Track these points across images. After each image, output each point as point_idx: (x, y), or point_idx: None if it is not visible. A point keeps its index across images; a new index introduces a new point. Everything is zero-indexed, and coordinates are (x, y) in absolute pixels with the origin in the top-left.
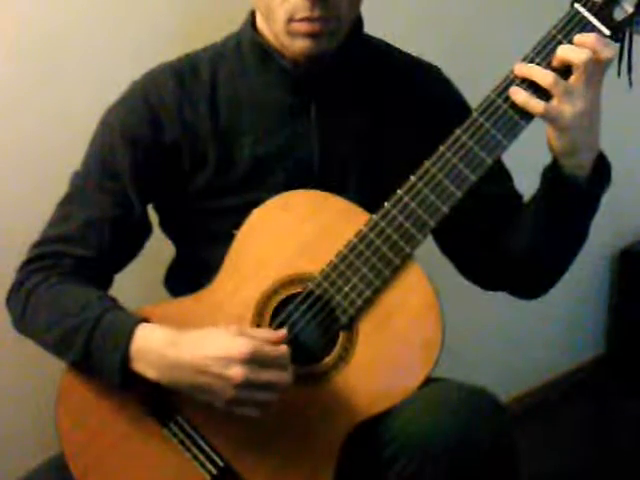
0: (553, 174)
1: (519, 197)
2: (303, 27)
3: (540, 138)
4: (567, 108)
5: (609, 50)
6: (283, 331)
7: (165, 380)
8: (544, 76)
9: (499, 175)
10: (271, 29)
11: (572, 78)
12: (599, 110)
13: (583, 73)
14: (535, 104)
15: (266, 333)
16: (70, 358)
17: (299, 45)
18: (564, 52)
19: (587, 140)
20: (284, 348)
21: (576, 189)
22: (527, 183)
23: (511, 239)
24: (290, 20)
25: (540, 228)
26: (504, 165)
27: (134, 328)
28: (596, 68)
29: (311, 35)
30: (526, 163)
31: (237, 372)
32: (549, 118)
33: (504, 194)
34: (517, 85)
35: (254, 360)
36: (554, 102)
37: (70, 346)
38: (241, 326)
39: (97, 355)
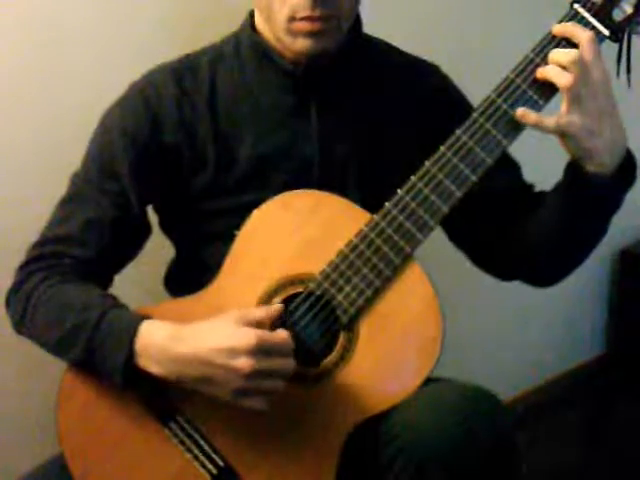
0: (575, 171)
1: (529, 187)
2: (304, 26)
3: (543, 137)
4: (575, 115)
5: (586, 33)
6: (278, 305)
7: (170, 375)
8: (561, 77)
9: (507, 167)
10: (271, 29)
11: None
12: (612, 110)
13: (579, 74)
14: (547, 122)
15: (265, 311)
16: (72, 357)
17: (300, 44)
18: (554, 56)
19: (602, 142)
20: (285, 335)
21: (598, 187)
22: (536, 175)
23: (526, 230)
24: (291, 19)
25: (559, 222)
26: (511, 157)
27: (138, 325)
28: (591, 66)
29: (312, 34)
30: (535, 155)
31: (243, 362)
32: (560, 132)
33: (514, 186)
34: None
35: (259, 350)
36: (562, 110)
37: (72, 345)
38: (244, 311)
39: (100, 353)
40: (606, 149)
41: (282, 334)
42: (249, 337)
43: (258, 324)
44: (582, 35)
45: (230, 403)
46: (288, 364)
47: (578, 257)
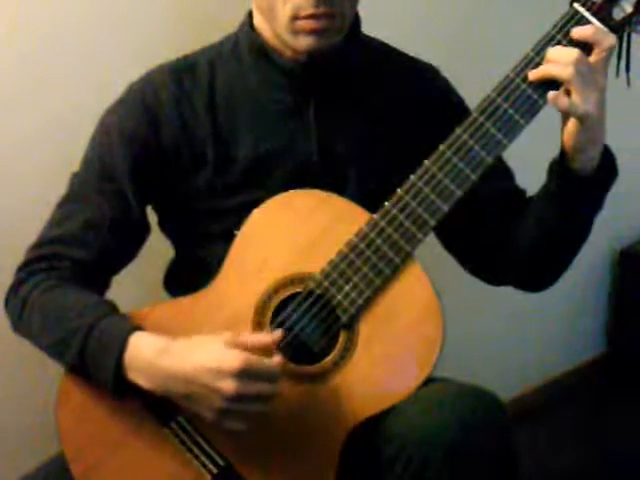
0: (561, 169)
1: (522, 193)
2: (308, 24)
3: (543, 135)
4: (589, 102)
5: (609, 39)
6: (278, 333)
7: (156, 388)
8: (562, 70)
9: (501, 172)
10: (272, 28)
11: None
12: (605, 103)
13: (576, 83)
14: (575, 106)
15: (261, 338)
16: (66, 362)
17: (303, 42)
18: (554, 54)
19: (602, 133)
20: (276, 361)
21: (584, 183)
22: (530, 179)
23: (516, 235)
24: (294, 18)
25: (546, 222)
26: (505, 162)
27: (127, 336)
28: (600, 59)
29: (315, 32)
30: (529, 160)
31: (228, 385)
32: (581, 115)
33: (507, 191)
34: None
35: (245, 373)
36: (576, 99)
37: (65, 350)
38: (236, 332)
39: (91, 362)
40: (601, 139)
41: (272, 360)
42: (236, 360)
43: (250, 349)
44: (605, 42)
45: (211, 421)
46: (272, 390)
47: (566, 259)
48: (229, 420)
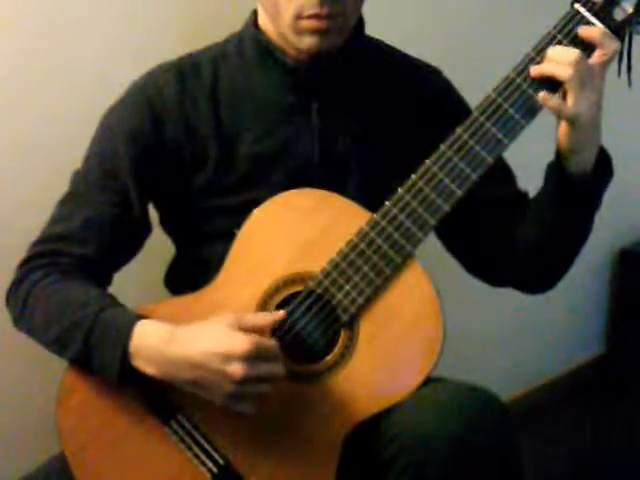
0: (557, 171)
1: (523, 195)
2: (311, 24)
3: (542, 138)
4: (583, 104)
5: (615, 43)
6: (281, 312)
7: (164, 375)
8: (562, 70)
9: (502, 175)
10: (277, 27)
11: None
12: (602, 105)
13: (573, 84)
14: (566, 107)
15: (265, 318)
16: (69, 355)
17: (306, 42)
18: (552, 53)
19: (596, 134)
20: (275, 341)
21: (581, 184)
22: (531, 182)
23: (517, 237)
24: (298, 17)
25: (545, 224)
26: (507, 164)
27: (133, 324)
28: (601, 61)
29: (319, 32)
30: (530, 162)
31: (237, 368)
32: (575, 118)
33: (508, 194)
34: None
35: (253, 356)
36: (570, 101)
37: (69, 343)
38: (238, 315)
39: (96, 352)
40: (596, 141)
41: (272, 341)
42: (244, 343)
43: (255, 330)
44: (611, 45)
45: (221, 406)
46: (278, 370)
47: (566, 260)
48: (238, 403)
